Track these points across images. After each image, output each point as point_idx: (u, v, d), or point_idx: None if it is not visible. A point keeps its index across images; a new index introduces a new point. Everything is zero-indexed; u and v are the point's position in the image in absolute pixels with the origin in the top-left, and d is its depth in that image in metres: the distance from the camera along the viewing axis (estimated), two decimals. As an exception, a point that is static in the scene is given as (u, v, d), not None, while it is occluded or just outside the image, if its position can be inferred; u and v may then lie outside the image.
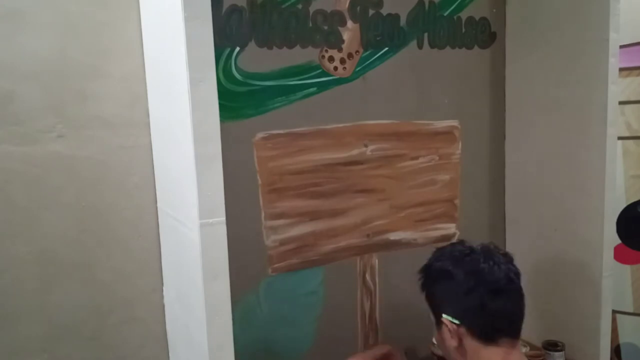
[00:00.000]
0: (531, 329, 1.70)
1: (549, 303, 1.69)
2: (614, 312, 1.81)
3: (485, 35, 1.70)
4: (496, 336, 1.01)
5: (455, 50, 1.65)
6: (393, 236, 1.61)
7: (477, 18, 1.67)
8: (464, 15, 1.65)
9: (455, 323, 1.01)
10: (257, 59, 1.35)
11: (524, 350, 1.67)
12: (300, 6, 1.39)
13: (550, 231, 1.65)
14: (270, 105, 1.39)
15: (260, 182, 1.39)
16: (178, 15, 0.92)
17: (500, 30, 1.73)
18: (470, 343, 1.00)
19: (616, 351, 1.92)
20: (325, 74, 1.45)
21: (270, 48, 1.37)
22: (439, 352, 1.50)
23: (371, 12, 1.49)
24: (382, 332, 1.64)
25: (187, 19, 0.91)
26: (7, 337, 1.22)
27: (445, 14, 1.61)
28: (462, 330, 1.00)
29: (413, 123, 1.60)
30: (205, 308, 0.97)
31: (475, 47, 1.69)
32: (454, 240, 1.72)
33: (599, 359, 1.53)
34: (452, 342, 1.02)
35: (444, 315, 1.03)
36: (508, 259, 1.09)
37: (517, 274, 1.07)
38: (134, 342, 1.36)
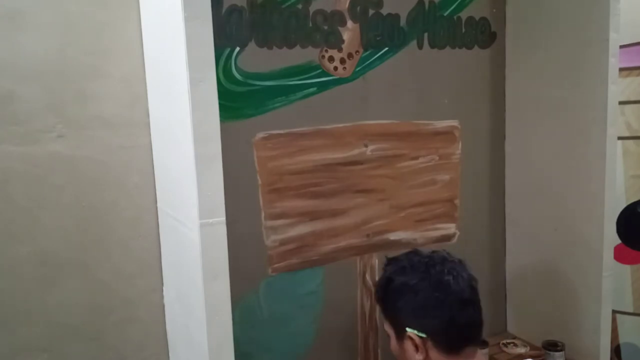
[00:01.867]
0: (531, 329, 1.70)
1: (549, 303, 1.69)
2: (614, 312, 1.81)
3: (485, 35, 1.70)
4: (463, 345, 1.02)
5: (455, 50, 1.65)
6: (393, 236, 1.61)
7: (477, 18, 1.68)
8: (464, 15, 1.65)
9: (421, 337, 1.00)
10: (257, 59, 1.35)
11: (523, 350, 1.67)
12: (300, 6, 1.39)
13: (550, 231, 1.65)
14: (270, 105, 1.39)
15: (260, 182, 1.39)
16: (178, 15, 0.92)
17: (500, 30, 1.73)
18: (436, 355, 1.00)
19: (616, 351, 1.92)
20: (325, 74, 1.45)
21: (270, 48, 1.37)
22: None
23: (371, 12, 1.49)
24: (382, 332, 1.64)
25: (187, 19, 0.91)
26: (7, 337, 1.22)
27: (445, 14, 1.61)
28: (429, 343, 1.00)
29: (413, 123, 1.60)
30: (205, 308, 0.97)
31: (475, 47, 1.69)
32: (454, 240, 1.73)
33: (599, 359, 1.54)
34: (417, 356, 1.01)
35: (408, 329, 1.01)
36: (464, 266, 1.08)
37: (476, 281, 1.07)
38: (134, 342, 1.36)
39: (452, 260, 1.07)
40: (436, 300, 1.00)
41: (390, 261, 1.12)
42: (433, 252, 1.10)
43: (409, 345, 1.02)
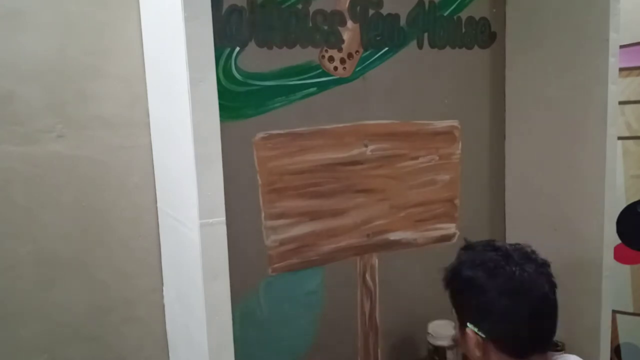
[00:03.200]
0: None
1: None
2: (614, 312, 1.81)
3: (485, 35, 1.70)
4: (528, 353, 0.93)
5: (455, 50, 1.65)
6: (393, 236, 1.61)
7: (477, 18, 1.67)
8: (464, 15, 1.65)
9: (481, 336, 0.92)
10: (257, 59, 1.35)
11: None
12: (300, 6, 1.39)
13: (550, 231, 1.65)
14: (270, 105, 1.39)
15: (260, 182, 1.39)
16: (178, 15, 0.92)
17: (500, 30, 1.73)
18: (497, 357, 0.92)
19: (616, 351, 1.92)
20: (325, 74, 1.45)
21: (270, 48, 1.37)
22: (436, 343, 1.50)
23: (371, 12, 1.49)
24: (382, 332, 1.64)
25: (187, 19, 0.91)
26: (7, 337, 1.22)
27: (445, 14, 1.61)
28: (489, 345, 0.92)
29: (413, 123, 1.60)
30: (205, 308, 0.97)
31: (475, 47, 1.69)
32: (454, 240, 1.72)
33: (599, 359, 1.53)
34: (475, 352, 0.94)
35: (469, 325, 0.94)
36: (547, 268, 0.98)
37: (554, 286, 0.98)
38: (134, 342, 1.36)
39: (533, 260, 0.96)
40: (503, 307, 0.91)
41: (466, 247, 1.03)
42: (515, 246, 0.99)
43: (470, 339, 0.95)
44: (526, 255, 0.97)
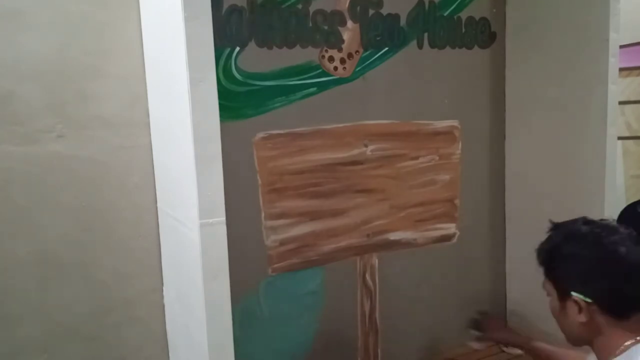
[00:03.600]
0: (531, 328, 1.70)
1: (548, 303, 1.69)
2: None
3: (485, 35, 1.70)
4: (631, 313, 1.01)
5: (455, 50, 1.65)
6: (393, 236, 1.61)
7: (477, 18, 1.67)
8: (464, 15, 1.65)
9: (587, 301, 1.01)
10: (257, 59, 1.35)
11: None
12: (300, 6, 1.39)
13: (550, 231, 1.65)
14: (270, 105, 1.39)
15: (260, 182, 1.39)
16: (178, 15, 0.92)
17: (500, 30, 1.73)
18: (601, 319, 1.01)
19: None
20: (325, 74, 1.45)
21: (270, 48, 1.37)
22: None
23: (371, 12, 1.49)
24: (382, 332, 1.64)
25: (187, 19, 0.91)
26: (7, 337, 1.22)
27: (445, 14, 1.61)
28: (595, 307, 1.00)
29: (413, 123, 1.60)
30: (205, 308, 0.97)
31: (475, 47, 1.69)
32: (454, 240, 1.73)
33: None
34: (579, 318, 1.02)
35: (574, 293, 1.02)
36: (634, 235, 1.07)
37: None
38: (134, 342, 1.36)
39: (622, 232, 1.06)
40: (605, 271, 1.00)
41: (557, 227, 1.12)
42: (602, 221, 1.09)
43: (571, 307, 1.03)
44: (615, 227, 1.08)
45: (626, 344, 1.00)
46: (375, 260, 1.60)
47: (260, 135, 1.38)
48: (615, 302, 1.01)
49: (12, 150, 1.19)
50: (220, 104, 0.96)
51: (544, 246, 1.12)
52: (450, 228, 1.72)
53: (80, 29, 1.23)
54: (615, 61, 1.43)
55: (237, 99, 1.34)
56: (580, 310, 1.02)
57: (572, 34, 1.52)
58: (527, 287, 1.79)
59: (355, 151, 1.51)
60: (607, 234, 1.05)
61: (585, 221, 1.10)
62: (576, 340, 1.07)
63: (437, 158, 1.66)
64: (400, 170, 1.60)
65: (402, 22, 1.54)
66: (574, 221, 1.11)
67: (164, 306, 1.38)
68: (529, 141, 1.70)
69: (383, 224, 1.59)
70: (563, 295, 1.06)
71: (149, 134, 1.32)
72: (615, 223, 1.10)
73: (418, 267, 1.67)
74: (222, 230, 0.97)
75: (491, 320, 1.52)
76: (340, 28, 1.45)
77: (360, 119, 1.51)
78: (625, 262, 1.00)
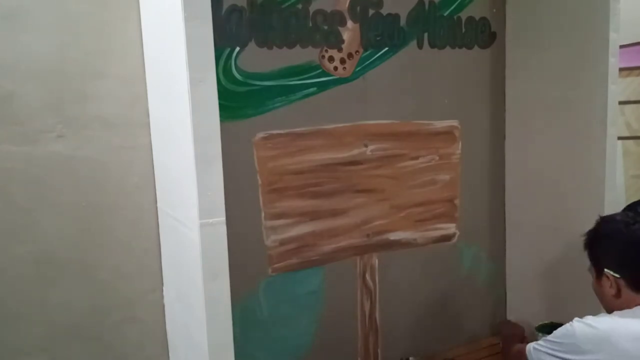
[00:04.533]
0: (531, 327, 1.70)
1: (548, 303, 1.69)
2: (614, 312, 1.81)
3: (485, 35, 1.70)
4: None
5: (455, 50, 1.65)
6: (393, 236, 1.61)
7: (477, 18, 1.68)
8: (464, 15, 1.65)
9: (615, 276, 1.20)
10: (257, 59, 1.35)
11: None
12: (300, 6, 1.39)
13: (550, 231, 1.65)
14: (270, 105, 1.39)
15: (260, 182, 1.39)
16: (178, 15, 0.92)
17: (500, 30, 1.73)
18: (627, 292, 1.20)
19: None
20: (325, 74, 1.45)
21: (270, 48, 1.37)
22: None
23: (371, 12, 1.49)
24: (382, 332, 1.64)
25: (187, 19, 0.91)
26: (7, 337, 1.22)
27: (445, 14, 1.61)
28: (622, 281, 1.19)
29: (413, 123, 1.60)
30: (205, 308, 0.97)
31: (475, 47, 1.69)
32: (454, 240, 1.73)
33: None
34: (611, 291, 1.22)
35: (606, 271, 1.22)
36: None
37: None
38: (134, 342, 1.36)
39: None
40: (633, 251, 1.20)
41: (604, 218, 1.31)
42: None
43: (605, 282, 1.23)
44: None
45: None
46: (375, 260, 1.60)
47: (260, 135, 1.38)
48: (638, 277, 1.19)
49: (12, 150, 1.19)
50: (220, 104, 0.96)
51: (587, 234, 1.30)
52: (450, 228, 1.72)
53: (80, 29, 1.23)
54: (615, 61, 1.43)
55: (237, 99, 1.34)
56: (611, 284, 1.21)
57: (572, 34, 1.52)
58: (526, 287, 1.79)
59: (355, 151, 1.51)
60: (635, 220, 1.23)
61: (629, 207, 1.35)
62: (612, 312, 1.23)
63: (437, 158, 1.66)
64: (400, 170, 1.60)
65: (402, 22, 1.54)
66: (621, 212, 1.34)
67: (164, 306, 1.38)
68: (529, 141, 1.70)
69: (383, 224, 1.59)
70: (599, 273, 1.25)
71: (149, 134, 1.32)
72: None
73: (418, 267, 1.68)
74: (222, 230, 0.97)
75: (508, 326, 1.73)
76: (340, 28, 1.45)
77: (360, 119, 1.51)
78: None
